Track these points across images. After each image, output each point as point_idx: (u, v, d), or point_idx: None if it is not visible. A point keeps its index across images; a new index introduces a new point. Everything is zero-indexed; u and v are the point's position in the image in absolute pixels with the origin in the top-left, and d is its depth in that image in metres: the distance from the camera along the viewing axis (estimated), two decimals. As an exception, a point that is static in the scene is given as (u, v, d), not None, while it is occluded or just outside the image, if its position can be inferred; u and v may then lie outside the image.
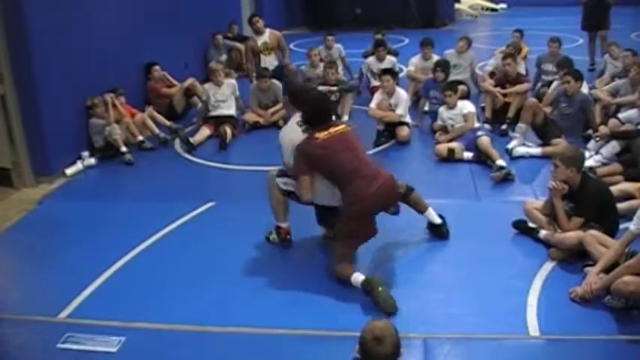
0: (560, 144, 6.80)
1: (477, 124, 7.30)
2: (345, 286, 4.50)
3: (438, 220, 5.25)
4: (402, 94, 7.85)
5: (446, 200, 6.04)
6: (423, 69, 9.28)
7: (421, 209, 5.22)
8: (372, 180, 4.59)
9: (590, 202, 4.81)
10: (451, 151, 7.04)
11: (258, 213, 5.57)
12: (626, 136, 6.49)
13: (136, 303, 4.48)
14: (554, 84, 8.08)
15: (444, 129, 7.46)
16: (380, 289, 4.25)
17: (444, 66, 8.24)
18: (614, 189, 5.37)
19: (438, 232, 5.26)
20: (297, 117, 4.90)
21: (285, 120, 8.65)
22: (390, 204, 4.89)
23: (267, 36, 10.03)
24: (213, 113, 8.42)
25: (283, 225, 5.20)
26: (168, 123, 8.35)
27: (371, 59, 9.85)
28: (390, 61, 9.61)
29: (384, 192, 4.66)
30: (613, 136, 6.55)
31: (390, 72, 7.99)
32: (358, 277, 4.43)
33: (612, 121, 6.80)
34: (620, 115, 6.87)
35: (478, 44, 12.36)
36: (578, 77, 7.26)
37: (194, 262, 5.04)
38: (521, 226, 5.27)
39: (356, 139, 4.86)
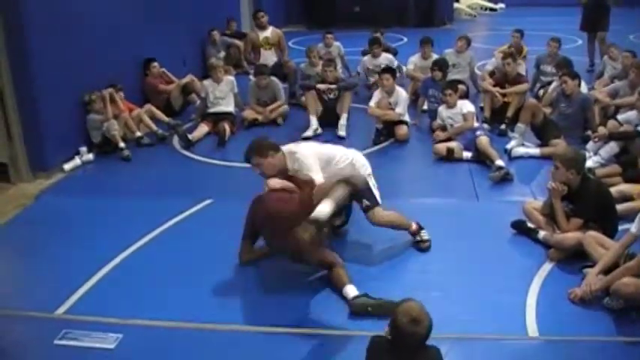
0: (559, 145, 6.80)
1: (475, 124, 7.29)
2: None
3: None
4: (402, 93, 7.84)
5: (444, 200, 6.06)
6: (422, 68, 9.27)
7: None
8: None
9: (589, 203, 4.80)
10: (450, 150, 7.03)
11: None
12: (624, 137, 6.49)
13: (134, 300, 4.46)
14: (554, 84, 8.09)
15: (443, 128, 7.45)
16: (369, 309, 4.16)
17: (441, 65, 8.24)
18: (612, 190, 5.37)
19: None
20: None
21: (284, 117, 8.74)
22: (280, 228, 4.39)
23: (270, 32, 10.04)
24: (212, 110, 8.40)
25: None
26: (166, 119, 8.33)
27: (367, 57, 9.88)
28: (385, 58, 9.63)
29: (270, 211, 4.51)
30: (611, 137, 6.55)
31: (390, 71, 7.97)
32: (350, 292, 4.32)
33: (611, 123, 6.79)
34: (619, 117, 6.86)
35: (477, 44, 12.36)
36: (574, 76, 7.29)
37: (192, 259, 5.02)
38: (520, 227, 5.26)
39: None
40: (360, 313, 4.17)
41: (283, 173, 4.80)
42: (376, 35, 10.77)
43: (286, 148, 4.92)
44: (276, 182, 4.74)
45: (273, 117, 8.66)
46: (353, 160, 5.00)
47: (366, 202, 4.95)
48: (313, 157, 4.84)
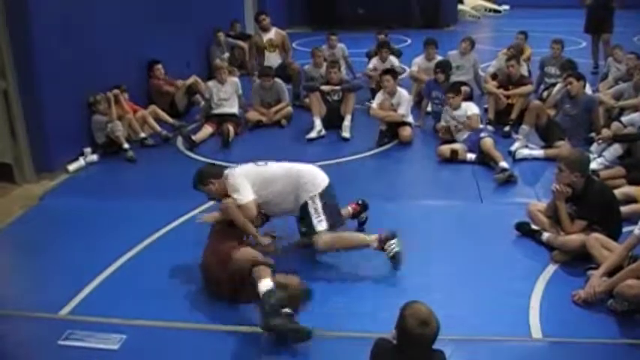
0: (563, 146, 6.79)
1: (480, 126, 7.28)
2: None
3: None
4: (404, 94, 7.83)
5: (448, 201, 6.05)
6: (426, 69, 9.26)
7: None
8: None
9: (593, 204, 4.80)
10: (454, 152, 7.03)
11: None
12: (628, 139, 6.48)
13: (138, 301, 4.47)
14: (558, 86, 8.08)
15: (447, 130, 7.44)
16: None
17: (444, 67, 8.23)
18: (616, 192, 5.36)
19: None
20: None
21: (289, 119, 8.74)
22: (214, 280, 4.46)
23: (273, 34, 10.03)
24: (216, 111, 8.41)
25: None
26: (170, 120, 8.34)
27: (375, 59, 9.88)
28: (391, 61, 9.63)
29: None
30: (615, 139, 6.54)
31: (391, 72, 7.97)
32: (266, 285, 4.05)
33: (615, 124, 6.79)
34: (623, 119, 6.85)
35: (481, 45, 12.35)
36: (580, 77, 7.28)
37: (195, 261, 5.00)
38: (524, 228, 5.25)
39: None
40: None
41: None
42: (385, 39, 10.74)
43: (226, 172, 4.87)
44: (211, 216, 4.89)
45: (277, 118, 8.68)
46: (299, 181, 4.79)
47: (302, 229, 4.88)
48: (243, 178, 4.76)
